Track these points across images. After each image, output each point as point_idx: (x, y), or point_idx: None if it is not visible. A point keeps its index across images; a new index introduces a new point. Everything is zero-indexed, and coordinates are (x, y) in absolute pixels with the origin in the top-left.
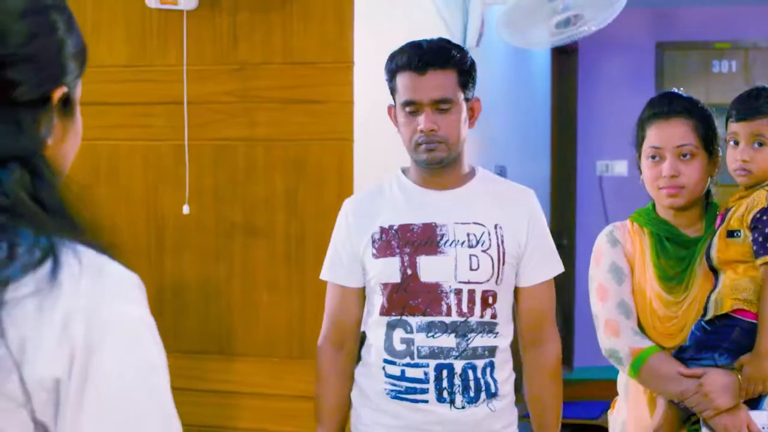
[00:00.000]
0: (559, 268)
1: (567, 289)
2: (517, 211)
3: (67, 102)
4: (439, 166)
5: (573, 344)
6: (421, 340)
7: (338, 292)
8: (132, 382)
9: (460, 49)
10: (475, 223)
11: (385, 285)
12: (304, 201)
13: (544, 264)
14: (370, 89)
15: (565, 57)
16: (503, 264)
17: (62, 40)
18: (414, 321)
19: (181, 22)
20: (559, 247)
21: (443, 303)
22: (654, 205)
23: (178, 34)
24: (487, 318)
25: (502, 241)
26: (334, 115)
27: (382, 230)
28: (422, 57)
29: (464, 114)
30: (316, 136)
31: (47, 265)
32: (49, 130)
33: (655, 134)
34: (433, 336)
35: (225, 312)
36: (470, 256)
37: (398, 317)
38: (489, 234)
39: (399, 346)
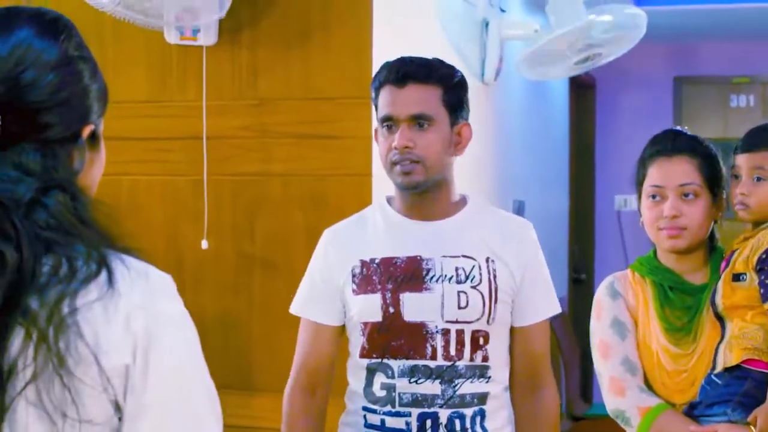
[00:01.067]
0: (556, 308)
1: (585, 322)
2: (511, 244)
3: (93, 136)
4: (417, 191)
5: (592, 379)
6: (402, 386)
7: (312, 329)
8: (183, 363)
9: (450, 67)
10: (464, 256)
11: (365, 324)
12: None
13: (541, 302)
14: None
15: (583, 91)
16: (495, 301)
17: (87, 86)
18: (396, 365)
19: (201, 57)
20: (578, 281)
21: (428, 345)
22: (655, 252)
23: (198, 70)
24: (477, 361)
25: (495, 276)
26: (353, 150)
27: (363, 264)
28: (402, 69)
29: (447, 136)
30: (335, 172)
31: (103, 274)
32: (82, 161)
33: (656, 172)
34: (416, 382)
35: (244, 347)
36: (459, 292)
37: (379, 360)
38: (480, 268)
39: (379, 393)
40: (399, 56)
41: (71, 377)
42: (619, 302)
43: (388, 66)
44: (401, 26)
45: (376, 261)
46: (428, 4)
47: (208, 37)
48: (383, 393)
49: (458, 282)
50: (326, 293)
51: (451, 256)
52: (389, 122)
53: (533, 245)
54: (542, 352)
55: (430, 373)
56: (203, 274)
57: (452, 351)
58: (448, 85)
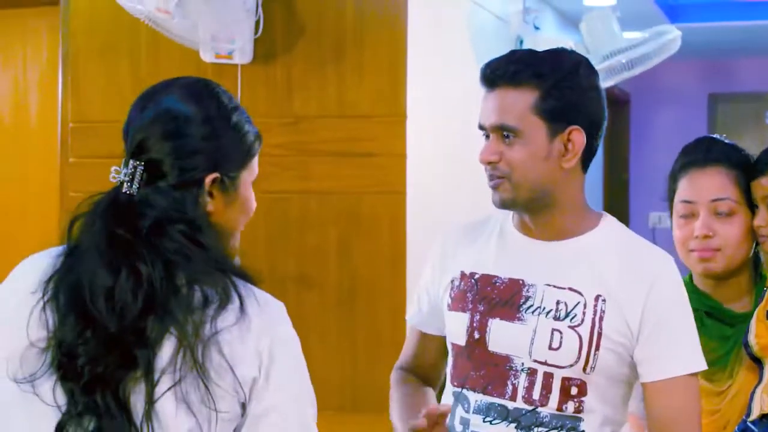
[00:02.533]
0: (691, 365)
1: None
2: (635, 282)
3: (222, 183)
4: (512, 209)
5: None
6: (476, 423)
7: (417, 335)
8: (294, 374)
9: (557, 63)
10: (570, 289)
11: (453, 345)
12: (356, 253)
13: (670, 356)
14: (423, 142)
15: (617, 108)
16: (597, 348)
17: (213, 143)
18: (473, 398)
19: (236, 76)
20: None
21: (509, 383)
22: (692, 276)
23: (233, 88)
24: (568, 412)
25: (601, 319)
26: (387, 167)
27: (462, 277)
28: (493, 67)
29: (541, 148)
30: (369, 189)
31: (236, 301)
32: (204, 203)
33: (687, 186)
34: (490, 422)
35: None
36: (553, 330)
37: (459, 389)
38: (585, 306)
39: (458, 427)
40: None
41: (210, 382)
42: None
43: (486, 63)
44: (435, 44)
45: (476, 276)
46: (462, 22)
47: (243, 56)
48: (461, 428)
49: (556, 318)
50: (429, 303)
51: (555, 287)
52: (482, 131)
53: (670, 288)
54: (669, 417)
55: (506, 415)
56: None
57: (535, 395)
58: (547, 86)
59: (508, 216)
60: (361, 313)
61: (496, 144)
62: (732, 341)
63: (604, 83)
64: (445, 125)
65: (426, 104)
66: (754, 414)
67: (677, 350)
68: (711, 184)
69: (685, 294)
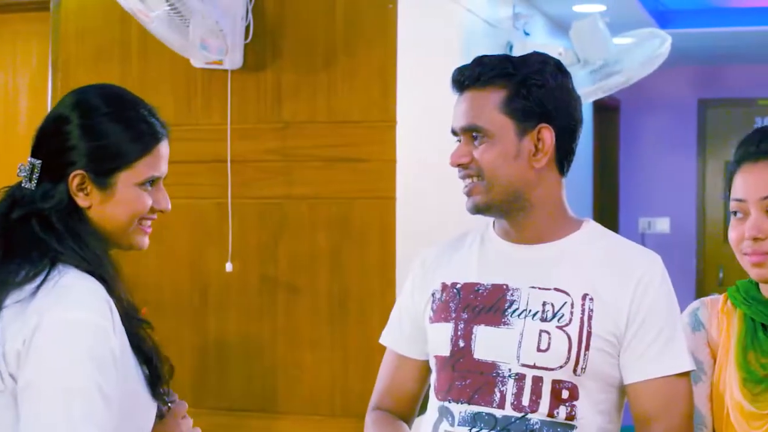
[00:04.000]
0: (678, 365)
1: None
2: (622, 280)
3: (96, 181)
4: (486, 214)
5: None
6: None
7: (395, 360)
8: (61, 357)
9: (521, 63)
10: (556, 289)
11: (436, 358)
12: (347, 259)
13: (657, 355)
14: (414, 148)
15: (607, 114)
16: (587, 348)
17: (71, 144)
18: (457, 410)
19: (226, 81)
20: None
21: (496, 390)
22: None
23: (223, 94)
24: (560, 418)
25: (590, 318)
26: (378, 173)
27: (444, 288)
28: (461, 72)
29: (511, 147)
30: (359, 195)
31: (38, 281)
32: (76, 197)
33: (739, 183)
34: None
35: (268, 370)
36: (541, 332)
37: (443, 402)
38: (572, 306)
39: None
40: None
41: None
42: (700, 335)
43: (455, 70)
44: (425, 50)
45: (458, 286)
46: (452, 28)
47: (233, 61)
48: None
49: (543, 320)
50: (410, 322)
51: (540, 288)
52: (455, 136)
53: (657, 286)
54: (651, 414)
55: (494, 424)
56: (227, 297)
57: (525, 401)
58: (514, 84)
59: (489, 225)
60: (351, 318)
61: (466, 146)
62: None
63: (597, 96)
64: (435, 131)
65: (416, 110)
66: None
67: (661, 350)
68: (762, 180)
69: (672, 293)
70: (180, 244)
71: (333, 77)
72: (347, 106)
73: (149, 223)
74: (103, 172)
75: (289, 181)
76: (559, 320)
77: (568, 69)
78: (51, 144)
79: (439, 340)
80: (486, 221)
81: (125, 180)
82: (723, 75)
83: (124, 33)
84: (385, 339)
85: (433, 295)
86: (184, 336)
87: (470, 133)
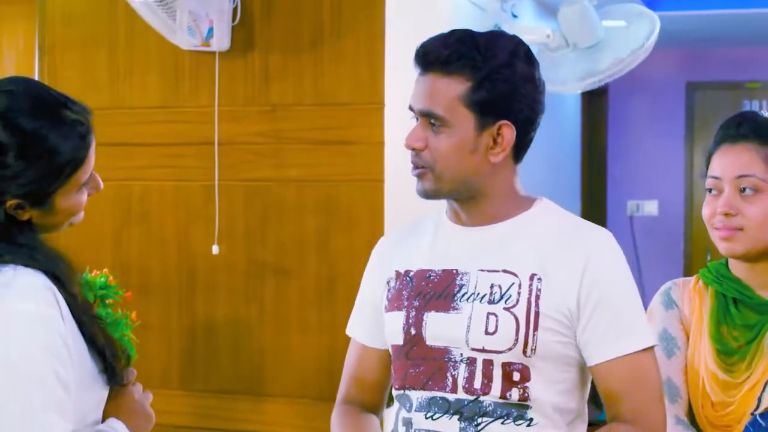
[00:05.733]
0: (640, 340)
1: None
2: (570, 259)
3: (40, 202)
4: (434, 199)
5: None
6: (418, 421)
7: (358, 350)
8: (6, 350)
9: (491, 52)
10: (504, 271)
11: (393, 348)
12: (335, 242)
13: (616, 334)
14: (402, 130)
15: (595, 97)
16: (535, 329)
17: (7, 176)
18: (414, 396)
19: (213, 63)
20: None
21: (448, 375)
22: (728, 260)
23: (210, 76)
24: (513, 399)
25: (538, 297)
26: (365, 156)
27: (398, 276)
28: (427, 50)
29: (468, 140)
30: (347, 177)
31: None
32: (15, 215)
33: (716, 162)
34: (431, 417)
35: (256, 353)
36: (488, 314)
37: (401, 391)
38: (520, 287)
39: (400, 429)
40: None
41: None
42: (673, 313)
43: (419, 46)
44: (413, 31)
45: (411, 274)
46: (441, 10)
47: (220, 44)
48: (403, 429)
49: (490, 302)
50: (370, 311)
51: (489, 271)
52: (411, 112)
53: (609, 262)
54: (621, 391)
55: (447, 408)
56: (215, 280)
57: (476, 384)
58: (479, 77)
59: (443, 209)
60: (339, 301)
61: (422, 130)
62: (756, 330)
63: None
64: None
65: (404, 92)
66: (762, 406)
67: (621, 329)
68: (738, 160)
69: (627, 269)
70: (167, 227)
71: (320, 59)
72: (335, 88)
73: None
74: (39, 198)
75: (277, 163)
76: (506, 302)
77: (557, 53)
78: None
79: (393, 329)
80: (442, 205)
81: (63, 195)
82: (711, 58)
83: (111, 16)
84: (348, 329)
85: (388, 283)
86: (172, 319)
87: (428, 118)
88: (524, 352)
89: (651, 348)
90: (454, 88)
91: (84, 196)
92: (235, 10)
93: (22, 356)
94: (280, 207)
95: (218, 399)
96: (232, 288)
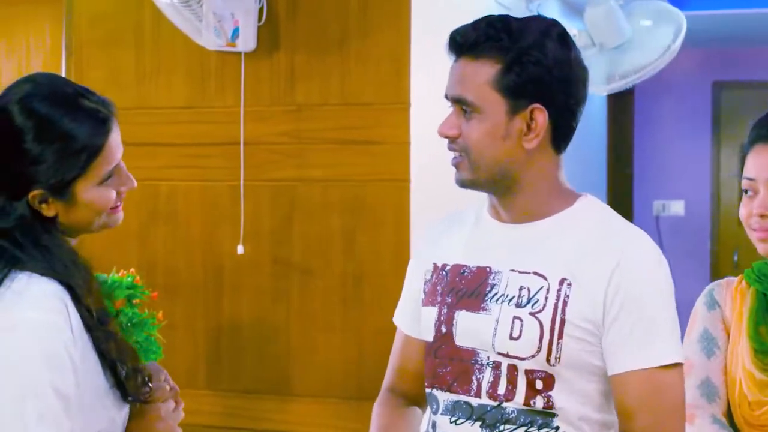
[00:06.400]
0: (665, 356)
1: None
2: (600, 260)
3: (60, 192)
4: (472, 189)
5: None
6: (443, 424)
7: (402, 339)
8: (4, 362)
9: (521, 34)
10: (535, 273)
11: (425, 344)
12: (360, 242)
13: (640, 345)
14: (427, 130)
15: (621, 97)
16: (560, 337)
17: (29, 158)
18: (441, 398)
19: (239, 64)
20: None
21: (473, 378)
22: None
23: (236, 76)
24: (537, 407)
25: (565, 304)
26: (391, 156)
27: (435, 269)
28: (456, 37)
29: (499, 126)
30: (373, 177)
31: None
32: (40, 210)
33: (751, 162)
34: (455, 422)
35: (282, 352)
36: (514, 318)
37: (430, 390)
38: (548, 291)
39: (429, 431)
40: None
41: None
42: (715, 313)
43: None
44: (439, 30)
45: (447, 267)
46: (466, 10)
47: (246, 44)
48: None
49: (518, 305)
50: (411, 299)
51: (520, 271)
52: (447, 101)
53: (640, 266)
54: (637, 408)
55: (470, 413)
56: (240, 280)
57: (500, 390)
58: (508, 60)
59: (486, 202)
60: (365, 301)
61: (456, 117)
62: None
63: (616, 89)
64: (449, 113)
65: (429, 91)
66: None
67: (643, 339)
68: None
69: (662, 278)
70: (193, 227)
71: (346, 59)
72: (360, 88)
73: (119, 201)
74: (59, 188)
75: (302, 163)
76: (533, 306)
77: (583, 53)
78: (5, 161)
79: (426, 324)
80: (472, 201)
81: (84, 186)
82: (737, 57)
83: (138, 16)
84: (395, 316)
85: (425, 275)
86: (198, 318)
87: (460, 105)
88: (548, 360)
89: (675, 365)
90: (483, 72)
91: (110, 192)
92: (260, 10)
93: (21, 366)
94: (306, 207)
95: (244, 398)
96: (258, 288)
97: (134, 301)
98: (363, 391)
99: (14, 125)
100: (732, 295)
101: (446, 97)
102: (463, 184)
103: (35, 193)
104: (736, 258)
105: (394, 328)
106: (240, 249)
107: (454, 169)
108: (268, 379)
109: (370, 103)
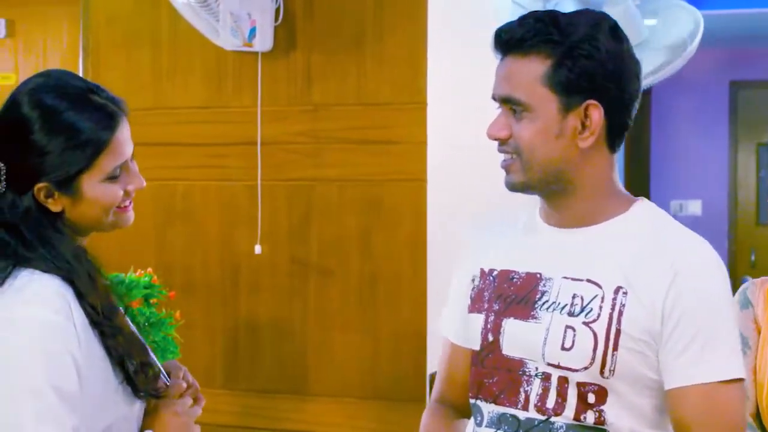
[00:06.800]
0: (722, 371)
1: None
2: (660, 271)
3: (66, 186)
4: (523, 192)
5: None
6: None
7: (448, 347)
8: (3, 359)
9: (571, 28)
10: (588, 280)
11: (471, 353)
12: (377, 241)
13: (698, 358)
14: (444, 129)
15: None
16: (615, 348)
17: (37, 151)
18: (486, 409)
19: (256, 64)
20: None
21: (521, 390)
22: None
23: (253, 76)
24: (588, 422)
25: (620, 314)
26: (408, 155)
27: (482, 274)
28: (503, 34)
29: (551, 124)
30: (390, 177)
31: None
32: (45, 204)
33: None
34: None
35: (299, 352)
36: (566, 327)
37: (474, 400)
38: (603, 299)
39: None
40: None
41: None
42: (747, 312)
43: (497, 29)
44: (455, 30)
45: (494, 273)
46: (483, 10)
47: (263, 44)
48: None
49: (570, 314)
50: (456, 305)
51: (572, 279)
52: (495, 101)
53: (700, 276)
54: (694, 425)
55: (516, 428)
56: (258, 279)
57: (549, 403)
58: (559, 54)
59: (537, 205)
60: (382, 301)
61: (505, 118)
62: None
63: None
64: (466, 112)
65: (446, 91)
66: None
67: (701, 353)
68: None
69: (723, 284)
70: (210, 227)
71: (363, 59)
72: (377, 87)
73: (128, 200)
74: (65, 181)
75: (319, 163)
76: (586, 315)
77: None
78: (12, 153)
79: (472, 333)
80: (537, 200)
81: (89, 181)
82: (755, 56)
83: (154, 17)
84: (441, 325)
85: (473, 281)
86: (215, 318)
87: (510, 104)
88: (601, 372)
89: (736, 380)
90: (532, 68)
91: (117, 189)
92: (277, 10)
93: (19, 364)
94: (323, 206)
95: (261, 398)
96: (275, 287)
97: (151, 301)
98: (379, 391)
99: (22, 115)
100: (765, 294)
101: (494, 97)
102: (515, 187)
103: (41, 186)
104: (753, 258)
105: (409, 328)
106: (258, 249)
107: (504, 172)
108: (284, 379)
109: (386, 102)
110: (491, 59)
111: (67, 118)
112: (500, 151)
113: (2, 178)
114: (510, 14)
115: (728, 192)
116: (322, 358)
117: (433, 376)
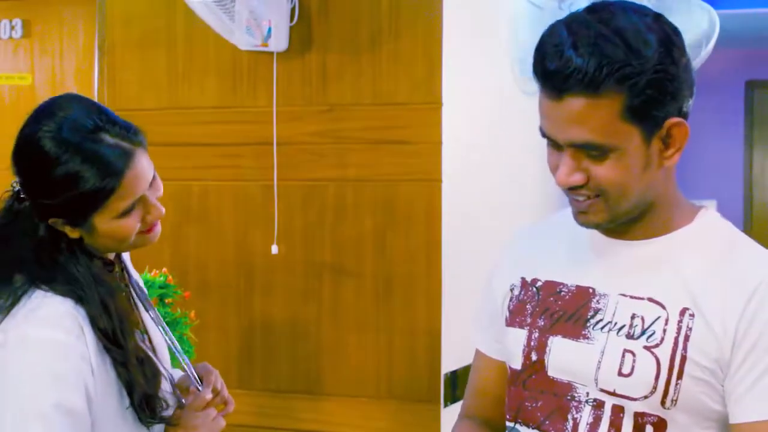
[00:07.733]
0: None
1: None
2: (732, 292)
3: (78, 224)
4: (598, 229)
5: None
6: None
7: (479, 359)
8: (12, 376)
9: (645, 50)
10: (650, 299)
11: (509, 370)
12: (392, 242)
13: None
14: (460, 130)
15: None
16: (679, 377)
17: (51, 195)
18: None
19: (271, 63)
20: None
21: (569, 417)
22: None
23: (268, 76)
24: None
25: (687, 338)
26: (423, 155)
27: (523, 284)
28: (558, 71)
29: (640, 155)
30: (405, 177)
31: (10, 301)
32: (46, 232)
33: None
34: None
35: (313, 352)
36: (624, 351)
37: (513, 424)
38: (667, 322)
39: None
40: (554, 26)
41: None
42: None
43: (540, 54)
44: (471, 31)
45: (539, 284)
46: (499, 10)
47: (278, 43)
48: None
49: (629, 336)
50: (488, 314)
51: (631, 297)
52: (548, 139)
53: None
54: None
55: None
56: (273, 280)
57: None
58: (637, 89)
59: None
60: (397, 301)
61: (577, 162)
62: None
63: None
64: (482, 112)
65: (462, 91)
66: None
67: None
68: None
69: None
70: (225, 227)
71: (378, 59)
72: (393, 87)
73: (150, 225)
74: (76, 219)
75: (335, 163)
76: (648, 339)
77: None
78: (31, 185)
79: (512, 349)
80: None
81: (101, 219)
82: None
83: (169, 16)
84: (473, 335)
85: (511, 290)
86: (230, 318)
87: (585, 150)
88: (663, 402)
89: None
90: (610, 107)
91: (133, 222)
92: (292, 10)
93: (27, 385)
94: (338, 207)
95: (276, 398)
96: (291, 288)
97: (166, 301)
98: (394, 391)
99: (34, 156)
100: None
101: (547, 136)
102: (597, 227)
103: (54, 220)
104: None
105: (424, 329)
106: (274, 249)
107: (578, 211)
108: (300, 379)
109: (402, 102)
110: (505, 59)
111: (70, 169)
112: (576, 194)
113: (22, 198)
114: (525, 14)
115: (744, 192)
116: (337, 359)
117: (447, 377)
